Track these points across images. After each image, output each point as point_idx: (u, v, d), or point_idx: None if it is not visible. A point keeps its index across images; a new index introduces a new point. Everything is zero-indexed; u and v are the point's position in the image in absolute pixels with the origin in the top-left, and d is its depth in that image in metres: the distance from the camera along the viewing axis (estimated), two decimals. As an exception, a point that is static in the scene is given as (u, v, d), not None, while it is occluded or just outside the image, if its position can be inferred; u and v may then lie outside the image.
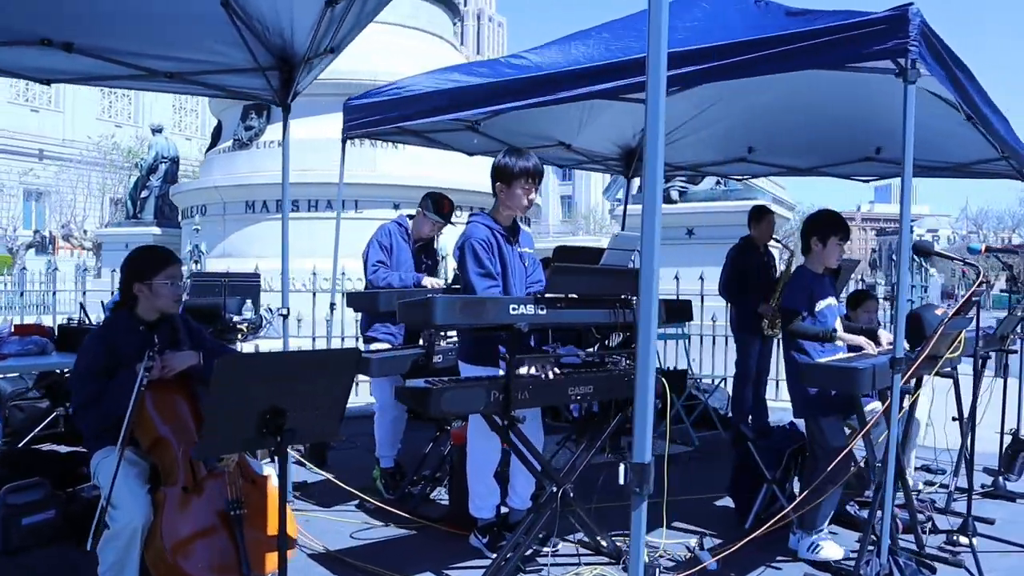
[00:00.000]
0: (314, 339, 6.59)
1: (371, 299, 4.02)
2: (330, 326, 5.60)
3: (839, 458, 3.15)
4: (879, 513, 2.98)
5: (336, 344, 6.27)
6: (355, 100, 4.76)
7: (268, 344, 4.90)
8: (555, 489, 3.14)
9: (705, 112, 5.41)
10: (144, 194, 15.32)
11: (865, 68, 3.05)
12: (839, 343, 3.56)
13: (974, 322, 3.66)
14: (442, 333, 3.93)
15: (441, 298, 2.69)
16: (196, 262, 8.80)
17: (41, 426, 4.67)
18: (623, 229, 7.41)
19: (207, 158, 12.16)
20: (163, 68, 3.89)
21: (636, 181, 9.27)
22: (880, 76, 3.11)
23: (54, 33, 3.55)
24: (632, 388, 3.24)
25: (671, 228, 9.57)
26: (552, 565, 3.31)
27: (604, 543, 3.43)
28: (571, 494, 3.15)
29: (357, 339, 4.88)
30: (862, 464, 3.79)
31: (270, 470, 2.85)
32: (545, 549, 3.46)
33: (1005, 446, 4.82)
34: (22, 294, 8.45)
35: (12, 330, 3.77)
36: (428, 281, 4.28)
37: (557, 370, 3.11)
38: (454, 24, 12.94)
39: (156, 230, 14.70)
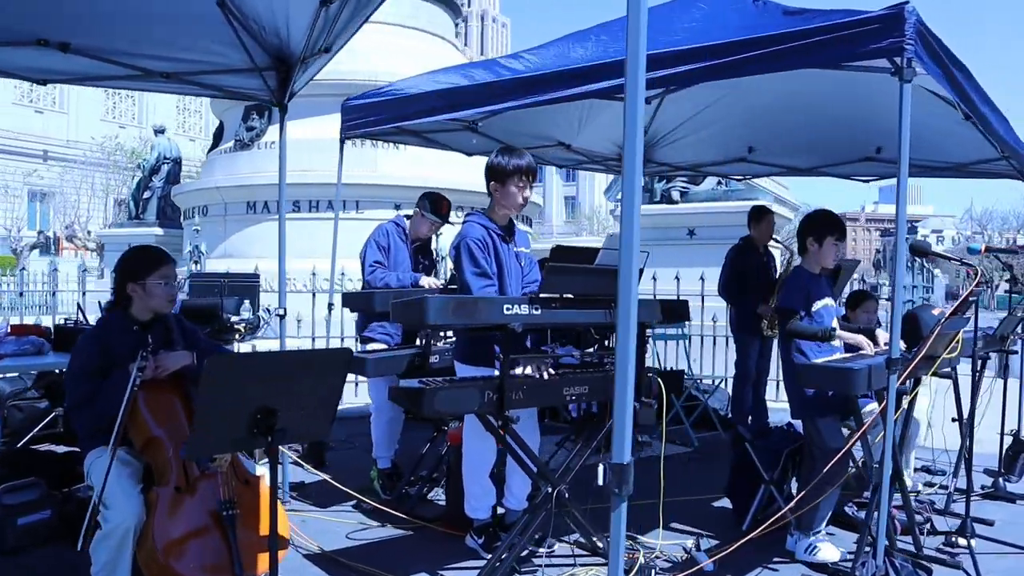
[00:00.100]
0: (313, 339, 6.59)
1: (367, 299, 4.02)
2: (329, 327, 5.61)
3: (835, 459, 3.13)
4: (876, 514, 2.96)
5: (336, 344, 6.28)
6: (353, 100, 4.77)
7: (266, 344, 4.91)
8: (550, 490, 3.13)
9: (705, 112, 5.40)
10: (146, 195, 15.35)
11: (861, 67, 3.04)
12: (836, 343, 3.54)
13: (972, 322, 3.64)
14: (439, 333, 3.92)
15: (434, 298, 2.69)
16: (196, 262, 8.80)
17: (40, 426, 4.68)
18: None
19: (209, 158, 12.18)
20: (159, 68, 3.89)
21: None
22: (880, 76, 3.10)
23: (51, 33, 3.54)
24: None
25: (672, 228, 9.55)
26: (547, 566, 3.30)
27: (600, 544, 3.42)
28: (566, 495, 3.14)
29: (356, 340, 4.88)
30: (860, 465, 3.78)
31: (264, 470, 2.84)
32: (540, 550, 3.45)
33: (1006, 447, 4.80)
34: (21, 294, 8.45)
35: (9, 330, 3.78)
36: (426, 281, 4.27)
37: (552, 371, 3.10)
38: (456, 25, 12.95)
39: (158, 231, 14.72)
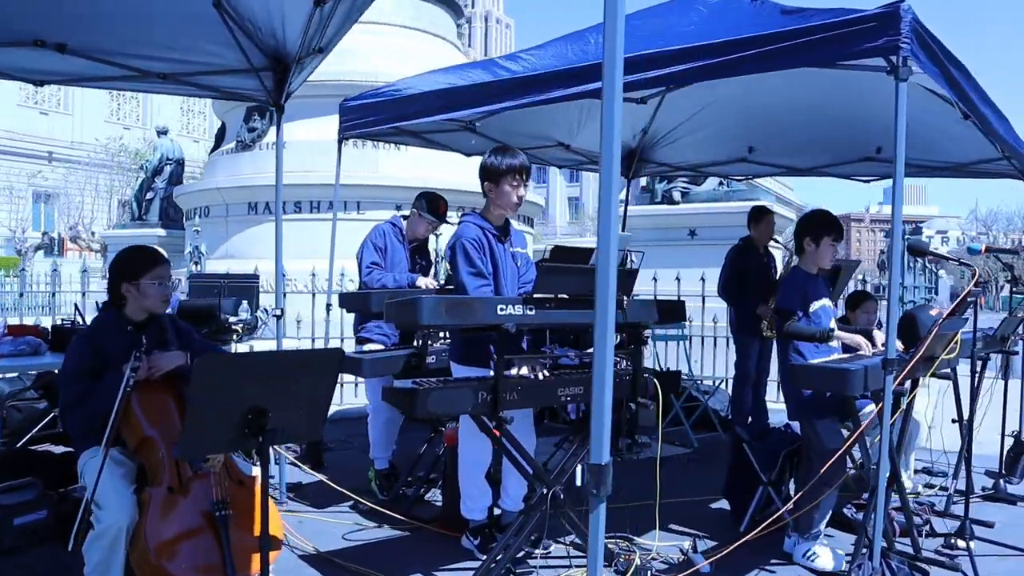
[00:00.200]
0: (313, 340, 6.59)
1: (363, 299, 4.01)
2: (328, 327, 5.60)
3: (832, 460, 3.12)
4: (872, 516, 2.95)
5: (336, 345, 6.27)
6: (351, 101, 4.77)
7: (264, 345, 4.91)
8: (545, 491, 3.12)
9: (705, 112, 5.39)
10: (149, 196, 15.38)
11: (857, 66, 3.02)
12: (835, 343, 3.53)
13: (971, 323, 3.62)
14: (436, 333, 3.91)
15: (427, 299, 2.68)
16: (196, 263, 8.81)
17: (39, 427, 4.68)
18: (623, 230, 7.40)
19: (210, 159, 12.20)
20: (156, 69, 3.89)
21: (635, 182, 9.26)
22: (880, 75, 3.09)
23: (48, 34, 3.55)
24: (624, 389, 3.24)
25: (673, 229, 9.54)
26: (543, 567, 3.29)
27: (596, 545, 3.40)
28: (561, 496, 3.12)
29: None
30: (859, 466, 3.77)
31: (259, 471, 2.84)
32: (536, 551, 3.44)
33: (1006, 449, 4.78)
34: (21, 295, 8.47)
35: (6, 331, 3.78)
36: (423, 282, 4.26)
37: (547, 372, 3.09)
38: (458, 26, 12.95)
39: (161, 232, 14.75)
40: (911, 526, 3.54)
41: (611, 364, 1.32)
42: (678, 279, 7.22)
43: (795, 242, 3.65)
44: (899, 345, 3.45)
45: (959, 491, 4.10)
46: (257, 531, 2.66)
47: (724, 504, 4.16)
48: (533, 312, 2.85)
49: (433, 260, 4.79)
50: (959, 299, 3.35)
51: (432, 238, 4.64)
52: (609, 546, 3.46)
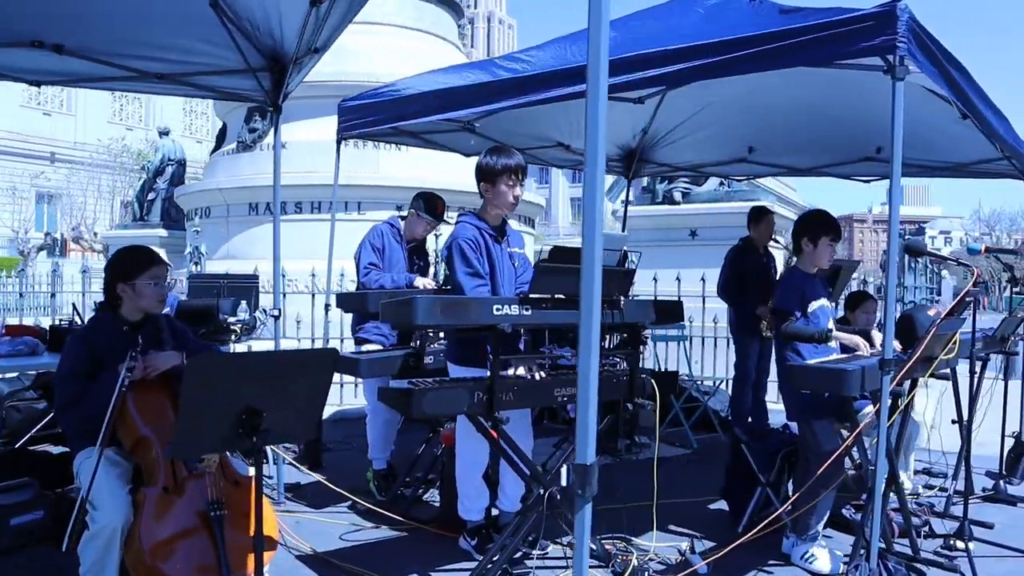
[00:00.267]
0: (313, 340, 6.60)
1: (361, 300, 4.01)
2: (327, 328, 5.60)
3: (828, 462, 3.10)
4: (870, 517, 2.93)
5: (335, 345, 6.27)
6: (349, 101, 4.77)
7: (262, 345, 4.90)
8: (542, 491, 3.12)
9: (705, 112, 5.38)
10: (151, 196, 15.39)
11: (854, 65, 3.01)
12: (833, 344, 3.51)
13: (970, 323, 3.61)
14: (433, 334, 3.91)
15: (422, 299, 2.67)
16: (196, 263, 8.81)
17: (38, 427, 4.69)
18: (624, 230, 7.40)
19: (211, 160, 12.21)
20: (154, 69, 3.89)
21: (636, 182, 9.25)
22: (880, 75, 3.08)
23: (46, 34, 3.55)
24: (620, 390, 3.24)
25: (674, 229, 9.53)
26: (540, 568, 3.28)
27: (593, 546, 3.40)
28: (558, 496, 3.12)
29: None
30: (858, 467, 3.75)
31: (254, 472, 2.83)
32: (534, 552, 3.43)
33: (1007, 449, 4.76)
34: (21, 295, 8.49)
35: (3, 331, 3.78)
36: (420, 282, 4.26)
37: (543, 373, 3.08)
38: (459, 26, 12.94)
39: (163, 232, 14.76)
40: (909, 527, 3.53)
41: (596, 364, 1.31)
42: (678, 279, 7.22)
43: (793, 242, 3.64)
44: (897, 346, 3.44)
45: (959, 492, 4.08)
46: (252, 531, 2.66)
47: (723, 505, 4.15)
48: (529, 312, 2.85)
49: (431, 260, 4.79)
50: (957, 299, 3.34)
51: (431, 238, 4.63)
52: (607, 547, 3.46)
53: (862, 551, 3.05)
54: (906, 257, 6.74)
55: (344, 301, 4.25)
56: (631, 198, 10.22)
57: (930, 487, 4.66)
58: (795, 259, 3.96)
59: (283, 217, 9.88)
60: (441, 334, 3.90)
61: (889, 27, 2.68)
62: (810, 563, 3.43)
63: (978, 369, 4.29)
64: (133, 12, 3.56)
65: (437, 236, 4.81)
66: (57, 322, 4.21)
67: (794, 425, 3.68)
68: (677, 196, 9.73)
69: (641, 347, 3.57)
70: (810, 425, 3.42)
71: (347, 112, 4.75)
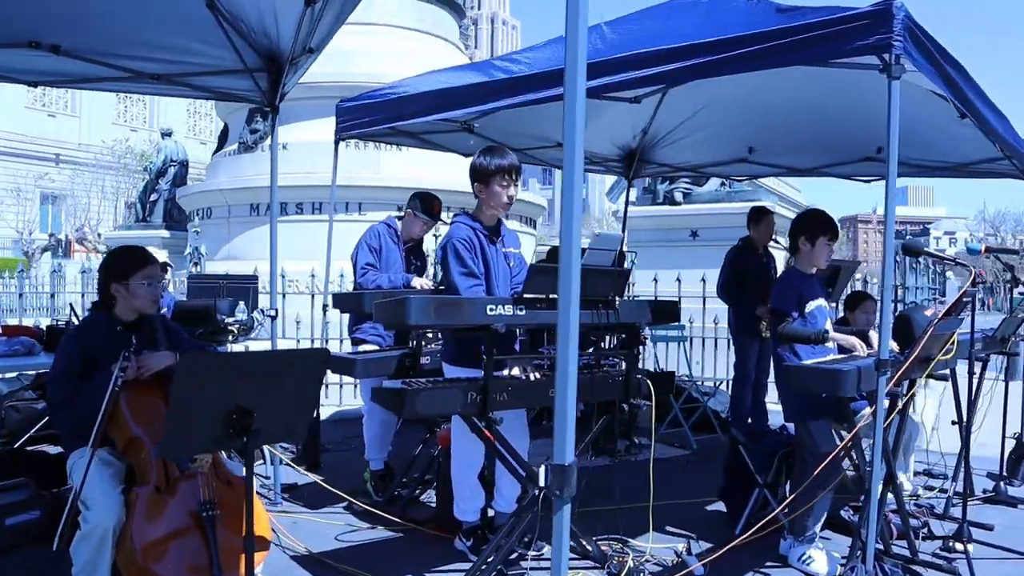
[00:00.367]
0: (312, 340, 6.60)
1: (357, 300, 4.00)
2: (326, 328, 5.60)
3: (825, 463, 3.08)
4: (866, 519, 2.92)
5: (334, 346, 6.27)
6: (347, 102, 4.77)
7: (260, 345, 4.90)
8: (536, 492, 3.10)
9: (705, 112, 5.37)
10: (153, 198, 15.43)
11: (850, 64, 3.00)
12: (830, 344, 3.50)
13: (968, 324, 3.59)
14: (430, 334, 3.90)
15: (416, 298, 2.67)
16: (196, 264, 8.82)
17: (37, 427, 4.69)
18: (624, 231, 7.38)
19: (213, 161, 12.22)
20: (150, 70, 3.90)
21: (638, 183, 9.23)
22: (880, 75, 3.06)
23: (42, 35, 3.56)
24: (616, 390, 3.23)
25: (675, 230, 9.51)
26: (534, 569, 3.27)
27: (589, 547, 3.39)
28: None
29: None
30: (856, 468, 3.73)
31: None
32: (529, 553, 3.42)
33: (1009, 451, 4.73)
34: (20, 296, 8.51)
35: (0, 331, 3.79)
36: (417, 282, 4.25)
37: (538, 373, 3.07)
38: (460, 27, 12.94)
39: (165, 233, 14.79)
40: (908, 529, 3.51)
41: (575, 363, 1.30)
42: (678, 280, 7.20)
43: (790, 242, 3.62)
44: (895, 346, 3.42)
45: (958, 493, 4.06)
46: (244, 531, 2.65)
47: (721, 506, 4.13)
48: (523, 312, 2.84)
49: (428, 261, 4.78)
50: (955, 299, 3.32)
51: (428, 238, 4.62)
52: (603, 548, 3.44)
53: (859, 553, 3.03)
54: (907, 258, 6.71)
55: (340, 301, 4.25)
56: (632, 199, 10.21)
57: (930, 488, 4.64)
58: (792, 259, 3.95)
59: (284, 218, 9.90)
60: (439, 334, 3.90)
61: (884, 26, 2.67)
62: (807, 565, 3.41)
63: (978, 370, 4.27)
64: (130, 13, 3.57)
65: (436, 236, 4.80)
66: (54, 322, 4.20)
67: (792, 426, 3.67)
68: (678, 196, 9.71)
69: (638, 348, 3.56)
70: (807, 426, 3.40)
71: (345, 112, 4.75)
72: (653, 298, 5.78)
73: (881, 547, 3.46)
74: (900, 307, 6.80)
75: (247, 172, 10.51)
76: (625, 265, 8.41)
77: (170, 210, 15.04)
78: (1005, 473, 4.66)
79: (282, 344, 4.43)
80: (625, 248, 7.54)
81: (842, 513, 3.94)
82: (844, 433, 3.42)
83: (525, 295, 2.86)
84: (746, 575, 3.41)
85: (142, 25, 3.65)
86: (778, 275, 5.66)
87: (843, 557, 3.39)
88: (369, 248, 4.27)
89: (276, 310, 4.08)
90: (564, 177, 1.37)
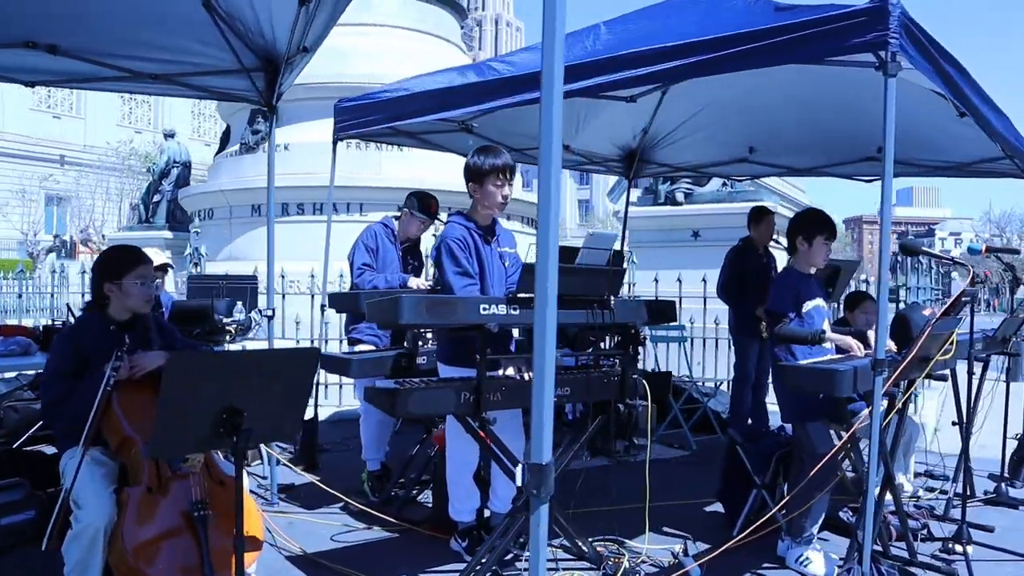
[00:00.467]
0: (312, 341, 6.60)
1: (353, 300, 3.99)
2: (325, 328, 5.60)
3: (821, 464, 3.06)
4: (863, 520, 2.89)
5: (333, 346, 6.27)
6: (345, 102, 4.77)
7: (257, 346, 4.89)
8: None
9: (705, 112, 5.35)
10: (156, 199, 15.43)
11: (846, 62, 2.97)
12: (828, 345, 3.47)
13: (968, 324, 3.56)
14: (426, 334, 3.89)
15: (408, 298, 2.65)
16: (195, 265, 8.83)
17: (37, 427, 4.69)
18: (624, 231, 7.36)
19: (215, 162, 12.22)
20: (147, 70, 3.90)
21: (640, 183, 9.19)
22: (881, 74, 3.04)
23: (39, 35, 3.56)
24: (611, 390, 3.21)
25: (676, 230, 9.46)
26: (528, 570, 3.25)
27: (584, 548, 3.37)
28: (548, 498, 3.08)
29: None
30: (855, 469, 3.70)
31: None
32: (525, 553, 3.40)
33: (1011, 452, 4.70)
34: (20, 296, 8.53)
35: (-4, 331, 3.79)
36: (414, 282, 4.24)
37: (532, 373, 3.05)
38: (462, 27, 12.92)
39: (168, 234, 14.78)
40: (906, 530, 3.49)
41: (552, 362, 1.29)
42: (679, 280, 7.17)
43: (787, 241, 3.60)
44: (893, 346, 3.40)
45: (958, 495, 4.04)
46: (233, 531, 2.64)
47: (719, 507, 4.11)
48: (517, 312, 2.82)
49: (425, 261, 4.77)
50: (953, 299, 3.29)
51: (425, 238, 4.61)
52: (599, 549, 3.43)
53: (856, 554, 3.01)
54: (908, 258, 6.67)
55: (337, 301, 4.24)
56: (634, 199, 10.17)
57: (931, 490, 4.61)
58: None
59: (285, 218, 9.88)
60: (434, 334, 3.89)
61: (880, 23, 2.65)
62: (805, 566, 3.39)
63: (978, 371, 4.24)
64: (127, 12, 3.57)
65: (435, 236, 4.79)
66: (51, 322, 4.20)
67: (790, 427, 3.65)
68: (679, 197, 9.66)
69: (635, 348, 3.54)
70: (804, 427, 3.38)
71: (343, 112, 4.75)
72: (656, 298, 5.75)
73: (880, 548, 3.43)
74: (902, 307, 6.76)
75: (248, 173, 10.51)
76: (625, 265, 8.39)
77: (173, 211, 15.04)
78: (1006, 475, 4.63)
79: (281, 344, 4.41)
80: (626, 248, 7.52)
81: (841, 514, 3.91)
82: (842, 434, 3.40)
83: (519, 294, 2.85)
84: (743, 576, 3.39)
85: (139, 25, 3.64)
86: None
87: (841, 559, 3.37)
88: (366, 248, 4.26)
89: (273, 310, 4.07)
90: (540, 176, 1.35)
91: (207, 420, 2.17)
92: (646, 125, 5.83)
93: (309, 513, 4.04)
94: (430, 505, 4.06)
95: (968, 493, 4.05)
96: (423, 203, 4.32)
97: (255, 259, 8.73)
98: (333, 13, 3.35)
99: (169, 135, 16.61)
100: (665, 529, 3.85)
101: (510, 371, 3.10)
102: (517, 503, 3.27)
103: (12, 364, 3.74)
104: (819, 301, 3.52)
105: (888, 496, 3.49)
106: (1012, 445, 4.69)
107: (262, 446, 4.36)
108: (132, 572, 2.45)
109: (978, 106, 3.50)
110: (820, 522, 3.49)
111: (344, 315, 4.65)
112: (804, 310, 3.45)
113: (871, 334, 3.78)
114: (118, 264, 2.82)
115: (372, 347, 4.20)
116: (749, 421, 5.58)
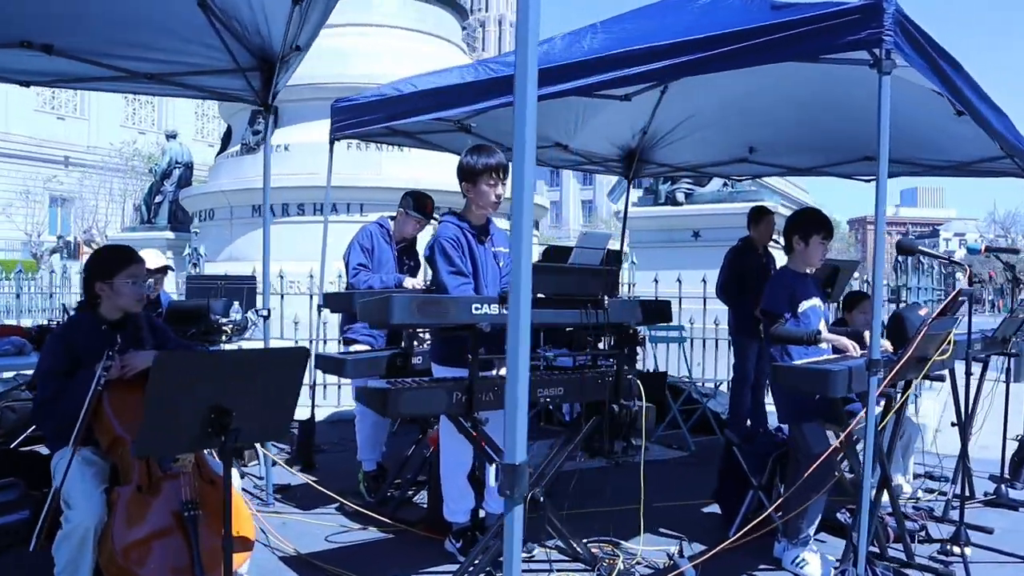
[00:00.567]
0: (310, 341, 6.58)
1: (348, 300, 3.98)
2: (324, 329, 5.59)
3: (816, 465, 3.04)
4: (857, 521, 2.87)
5: (331, 347, 6.26)
6: (342, 102, 4.76)
7: (253, 346, 4.89)
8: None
9: (705, 111, 5.33)
10: (158, 199, 15.46)
11: (841, 60, 2.95)
12: (824, 345, 3.45)
13: (966, 324, 3.54)
14: (423, 334, 3.87)
15: (399, 297, 2.64)
16: (194, 265, 8.84)
17: (33, 427, 4.69)
18: (624, 231, 7.34)
19: (216, 162, 12.23)
20: (143, 69, 3.89)
21: (641, 183, 9.17)
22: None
23: (34, 35, 3.56)
24: (604, 390, 3.19)
25: (677, 231, 9.45)
26: (524, 571, 3.23)
27: (579, 549, 3.35)
28: (541, 498, 3.07)
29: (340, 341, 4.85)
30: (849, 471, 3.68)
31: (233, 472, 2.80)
32: (522, 554, 3.38)
33: (1012, 453, 4.67)
34: (17, 296, 8.55)
35: (-9, 331, 3.79)
36: (410, 282, 4.23)
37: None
38: (463, 28, 12.91)
39: (170, 235, 14.81)
40: (903, 532, 3.46)
41: (526, 360, 1.28)
42: (679, 280, 7.14)
43: (784, 241, 3.58)
44: (889, 347, 3.37)
45: (958, 496, 4.01)
46: (231, 531, 2.63)
47: (716, 508, 4.09)
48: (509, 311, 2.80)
49: (421, 261, 4.76)
50: (950, 298, 3.27)
51: (421, 238, 4.60)
52: (593, 550, 3.41)
53: (851, 556, 2.99)
54: (909, 258, 6.63)
55: (332, 301, 4.23)
56: (634, 199, 10.15)
57: (930, 491, 4.58)
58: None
59: (286, 219, 9.87)
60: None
61: (875, 20, 2.63)
62: (801, 568, 3.37)
63: (978, 371, 4.21)
64: (122, 12, 3.56)
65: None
66: (46, 322, 4.20)
67: (787, 427, 3.62)
68: (680, 197, 9.64)
69: (632, 348, 3.52)
70: (800, 427, 3.36)
71: (339, 113, 4.74)
72: (656, 298, 5.72)
73: (877, 550, 3.41)
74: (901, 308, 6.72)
75: (249, 173, 10.50)
76: (625, 266, 8.35)
77: (175, 212, 15.06)
78: (1008, 475, 4.60)
79: (279, 345, 4.40)
80: (626, 248, 7.50)
81: (838, 515, 3.88)
82: (839, 434, 3.38)
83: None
84: (739, 577, 3.37)
85: (135, 25, 3.64)
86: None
87: (837, 560, 3.34)
88: (361, 248, 4.25)
89: (269, 310, 4.06)
90: (514, 175, 1.34)
91: (195, 420, 2.16)
92: (645, 125, 5.81)
93: (304, 513, 4.04)
94: (425, 506, 4.05)
95: (968, 494, 4.02)
96: (419, 203, 4.30)
97: (255, 259, 8.70)
98: (325, 11, 3.35)
99: (171, 136, 16.64)
100: (661, 530, 3.83)
101: (503, 371, 3.07)
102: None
103: (6, 364, 3.74)
104: (815, 301, 3.50)
105: (885, 497, 3.47)
106: (1012, 446, 4.66)
107: (258, 446, 4.35)
108: (122, 572, 2.44)
109: (976, 104, 3.48)
110: (816, 523, 3.46)
111: (341, 315, 4.65)
112: (800, 310, 3.43)
113: (868, 334, 3.76)
114: (109, 264, 2.81)
115: (367, 347, 4.18)
116: (748, 422, 5.56)
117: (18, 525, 3.19)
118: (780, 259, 6.04)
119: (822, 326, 3.45)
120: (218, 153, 12.99)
